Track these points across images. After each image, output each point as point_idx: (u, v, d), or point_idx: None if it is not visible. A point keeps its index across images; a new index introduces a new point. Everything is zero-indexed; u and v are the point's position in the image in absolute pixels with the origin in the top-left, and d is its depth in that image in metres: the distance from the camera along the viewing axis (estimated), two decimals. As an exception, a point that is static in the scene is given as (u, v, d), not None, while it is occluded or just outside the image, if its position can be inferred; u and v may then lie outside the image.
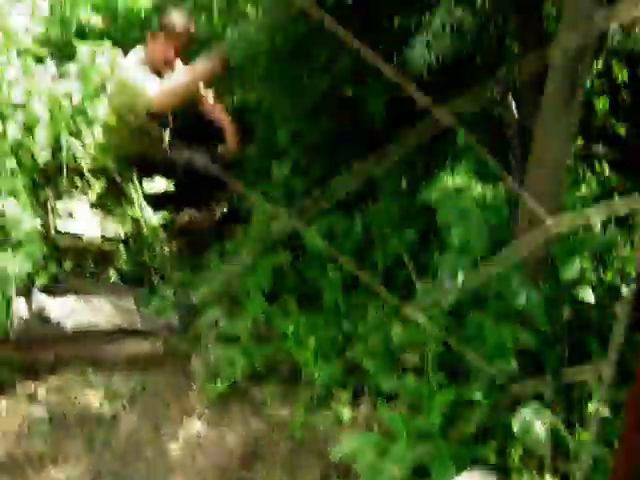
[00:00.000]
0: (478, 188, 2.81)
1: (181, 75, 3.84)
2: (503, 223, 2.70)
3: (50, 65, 3.47)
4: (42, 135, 3.19)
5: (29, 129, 3.23)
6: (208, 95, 4.27)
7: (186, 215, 3.91)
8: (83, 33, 4.90)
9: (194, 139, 4.11)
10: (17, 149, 3.24)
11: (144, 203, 3.63)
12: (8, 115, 3.30)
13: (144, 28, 5.20)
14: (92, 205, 3.62)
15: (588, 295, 2.65)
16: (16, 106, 3.31)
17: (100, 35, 4.95)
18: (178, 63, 4.03)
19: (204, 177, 3.97)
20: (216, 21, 4.82)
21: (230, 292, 3.42)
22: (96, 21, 4.72)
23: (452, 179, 2.86)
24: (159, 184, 3.72)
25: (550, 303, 2.63)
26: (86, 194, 3.62)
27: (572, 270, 2.68)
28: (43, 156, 3.25)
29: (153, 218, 3.59)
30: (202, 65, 3.78)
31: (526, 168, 2.69)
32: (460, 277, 2.45)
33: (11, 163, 3.20)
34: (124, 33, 5.08)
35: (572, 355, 2.66)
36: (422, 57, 2.26)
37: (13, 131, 3.12)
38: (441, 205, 2.80)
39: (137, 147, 3.88)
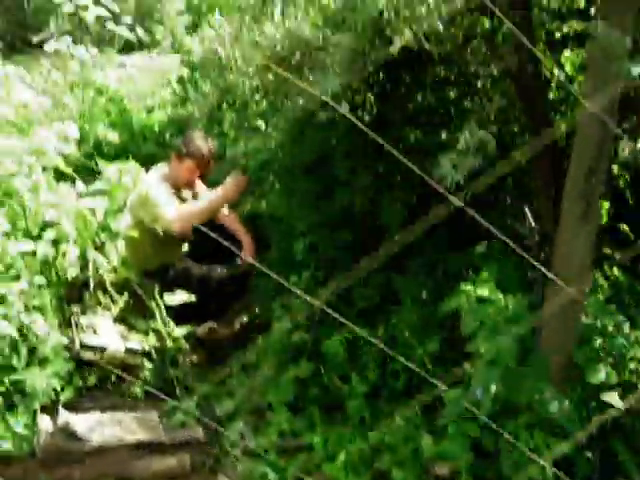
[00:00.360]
0: (500, 297, 2.88)
1: (204, 202, 3.95)
2: (527, 332, 2.76)
3: (77, 183, 3.59)
4: (71, 251, 3.27)
5: (57, 246, 3.32)
6: (224, 209, 4.41)
7: (207, 327, 3.96)
8: (101, 148, 5.11)
9: (212, 250, 4.21)
10: (46, 265, 3.32)
11: (166, 316, 3.68)
12: (38, 233, 3.42)
13: (158, 143, 5.43)
14: (115, 319, 3.67)
15: (615, 399, 2.69)
16: (46, 224, 3.42)
17: (117, 150, 5.17)
18: (199, 184, 4.18)
19: (223, 288, 4.06)
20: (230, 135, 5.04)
21: (254, 404, 3.43)
22: (113, 137, 4.93)
23: (474, 289, 2.93)
24: (179, 296, 3.79)
25: (579, 409, 2.66)
26: (109, 308, 3.68)
27: (597, 375, 2.73)
28: (71, 272, 3.32)
29: (175, 331, 3.63)
30: (224, 191, 3.90)
31: (548, 277, 2.77)
32: (492, 388, 2.49)
33: (40, 279, 3.27)
34: (139, 147, 5.29)
35: (603, 461, 2.67)
36: (449, 175, 2.37)
37: (43, 248, 3.20)
38: (465, 315, 2.87)
39: (157, 260, 3.99)
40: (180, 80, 5.52)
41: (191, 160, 4.01)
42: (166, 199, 3.91)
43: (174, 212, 3.86)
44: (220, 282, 4.09)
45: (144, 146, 5.30)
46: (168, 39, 7.23)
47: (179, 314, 3.74)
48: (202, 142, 4.03)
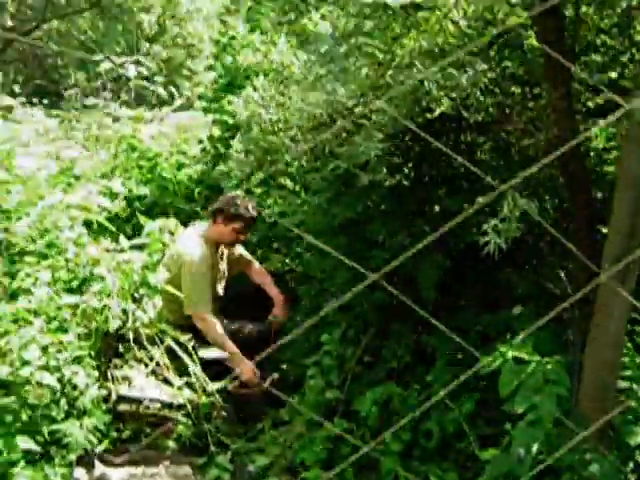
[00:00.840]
0: (538, 359, 2.92)
1: (227, 343, 4.02)
2: (566, 394, 2.79)
3: (119, 237, 3.69)
4: (114, 304, 3.34)
5: (100, 299, 3.39)
6: (255, 264, 4.50)
7: (238, 382, 4.00)
8: (132, 203, 5.23)
9: (244, 307, 4.29)
10: (86, 318, 3.39)
11: (200, 371, 3.73)
12: (78, 286, 3.50)
13: (188, 199, 5.55)
14: (150, 372, 3.72)
15: (653, 460, 2.72)
16: (87, 277, 3.51)
17: (147, 205, 5.29)
18: (239, 247, 4.36)
19: (254, 345, 4.11)
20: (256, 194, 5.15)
21: (286, 461, 3.45)
22: (145, 192, 5.06)
23: (510, 350, 2.98)
24: (213, 352, 3.85)
25: (617, 469, 2.68)
26: (145, 362, 3.73)
27: (635, 437, 2.76)
28: (114, 324, 3.38)
29: (209, 385, 3.68)
30: (242, 365, 3.97)
31: (586, 339, 2.83)
32: (534, 448, 2.52)
33: (81, 331, 3.34)
34: (170, 203, 5.40)
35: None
36: (493, 240, 2.45)
37: (87, 301, 3.28)
38: (503, 375, 2.90)
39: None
40: (211, 138, 5.65)
41: (239, 223, 4.12)
42: (202, 290, 4.05)
43: (203, 315, 4.03)
44: (251, 339, 4.16)
45: (174, 201, 5.40)
46: (195, 97, 7.45)
47: (213, 369, 3.80)
48: (250, 205, 4.14)
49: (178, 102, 7.08)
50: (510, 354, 2.96)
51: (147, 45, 7.36)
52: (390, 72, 3.16)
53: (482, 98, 3.18)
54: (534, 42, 3.49)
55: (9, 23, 10.01)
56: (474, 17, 3.37)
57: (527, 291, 3.26)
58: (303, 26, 3.55)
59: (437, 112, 3.20)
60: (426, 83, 3.08)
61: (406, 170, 3.55)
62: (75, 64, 11.45)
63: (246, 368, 3.94)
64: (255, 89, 3.54)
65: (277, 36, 4.59)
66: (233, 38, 5.77)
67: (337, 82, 3.31)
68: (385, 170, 3.21)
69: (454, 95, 3.12)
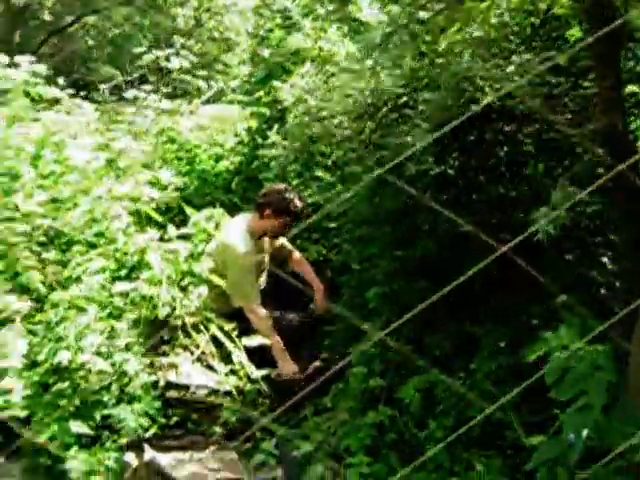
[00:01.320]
0: (584, 346, 2.93)
1: (273, 335, 4.08)
2: (614, 381, 2.81)
3: (167, 227, 3.76)
4: (163, 293, 3.41)
5: (149, 287, 3.46)
6: (296, 254, 4.54)
7: (276, 371, 4.05)
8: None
9: (285, 297, 4.34)
10: (136, 305, 3.47)
11: (245, 358, 3.79)
12: (127, 274, 3.58)
13: (225, 190, 5.61)
14: (196, 360, 3.78)
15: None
16: (134, 266, 3.58)
17: (186, 196, 5.36)
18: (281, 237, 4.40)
19: (295, 334, 4.17)
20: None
21: (331, 448, 3.49)
22: (183, 183, 5.12)
23: (557, 338, 3.00)
24: (256, 340, 3.91)
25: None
26: (190, 349, 3.79)
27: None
28: (163, 312, 3.45)
29: (254, 373, 3.73)
30: (284, 359, 4.05)
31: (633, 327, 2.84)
32: (584, 433, 2.54)
33: (132, 316, 3.41)
34: (208, 194, 5.47)
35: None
36: (544, 229, 2.47)
37: (139, 289, 3.36)
38: (550, 363, 2.92)
39: (233, 304, 4.13)
40: (249, 130, 5.71)
41: (287, 217, 4.18)
42: (251, 283, 4.15)
43: (253, 307, 4.10)
44: (292, 328, 4.21)
45: (213, 192, 5.47)
46: (228, 90, 7.51)
47: (257, 357, 3.86)
48: (298, 199, 4.19)
49: (208, 94, 7.14)
50: (557, 342, 2.98)
51: (181, 39, 7.43)
52: (437, 62, 3.20)
53: (527, 88, 3.19)
54: (577, 32, 3.50)
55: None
56: (519, 8, 3.38)
57: (572, 280, 3.27)
58: (351, 14, 3.59)
59: (482, 103, 3.22)
60: (472, 73, 3.10)
61: (450, 160, 3.57)
62: (107, 58, 11.60)
63: (287, 365, 4.01)
64: (302, 76, 3.58)
65: (328, 23, 4.62)
66: (270, 31, 5.83)
67: (384, 71, 3.35)
68: (431, 159, 3.24)
69: (499, 85, 3.14)
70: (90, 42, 11.73)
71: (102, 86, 8.22)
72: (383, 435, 3.53)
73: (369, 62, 3.44)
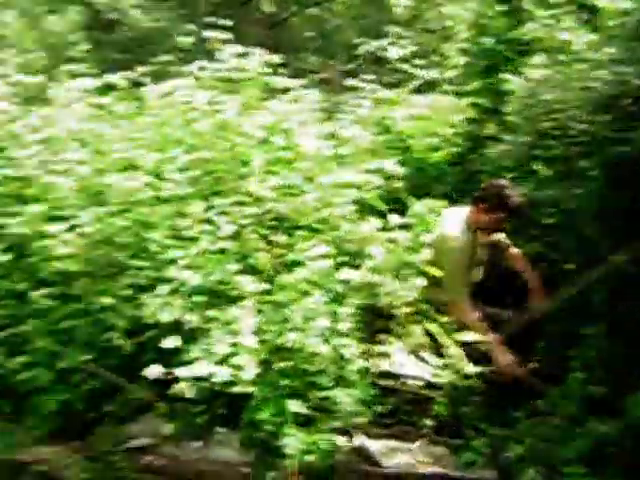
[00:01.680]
0: None
1: (483, 331, 3.96)
2: None
3: (389, 216, 3.80)
4: (386, 281, 3.45)
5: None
6: (513, 250, 4.41)
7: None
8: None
9: (501, 293, 4.24)
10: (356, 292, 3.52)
11: (460, 353, 3.73)
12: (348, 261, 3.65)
13: (440, 180, 5.56)
14: (410, 351, 3.79)
15: None
16: (356, 253, 3.65)
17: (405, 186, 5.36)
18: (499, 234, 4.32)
19: (512, 332, 4.06)
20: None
21: (545, 454, 3.36)
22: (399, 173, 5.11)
23: None
24: (470, 335, 3.84)
25: None
26: (404, 340, 3.80)
27: None
28: (384, 300, 3.49)
29: (469, 368, 3.67)
30: (499, 352, 3.94)
31: None
32: None
33: (354, 302, 3.47)
34: (426, 184, 5.44)
35: None
36: None
37: (363, 277, 3.41)
38: None
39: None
40: (467, 121, 5.61)
41: (503, 212, 4.10)
42: (459, 279, 4.10)
43: (458, 301, 4.06)
44: (508, 325, 4.10)
45: (429, 182, 5.43)
46: (442, 80, 7.42)
47: (472, 352, 3.80)
48: (515, 195, 4.09)
49: (416, 83, 7.08)
50: None
51: (398, 29, 7.44)
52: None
53: None
54: None
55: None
56: None
57: None
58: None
59: None
60: None
61: None
62: (315, 48, 11.89)
63: (503, 357, 3.90)
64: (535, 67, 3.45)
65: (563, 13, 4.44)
66: (492, 18, 5.67)
67: (625, 62, 3.15)
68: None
69: None
70: (306, 34, 12.07)
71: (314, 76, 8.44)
72: (603, 447, 3.34)
73: (608, 51, 3.24)
